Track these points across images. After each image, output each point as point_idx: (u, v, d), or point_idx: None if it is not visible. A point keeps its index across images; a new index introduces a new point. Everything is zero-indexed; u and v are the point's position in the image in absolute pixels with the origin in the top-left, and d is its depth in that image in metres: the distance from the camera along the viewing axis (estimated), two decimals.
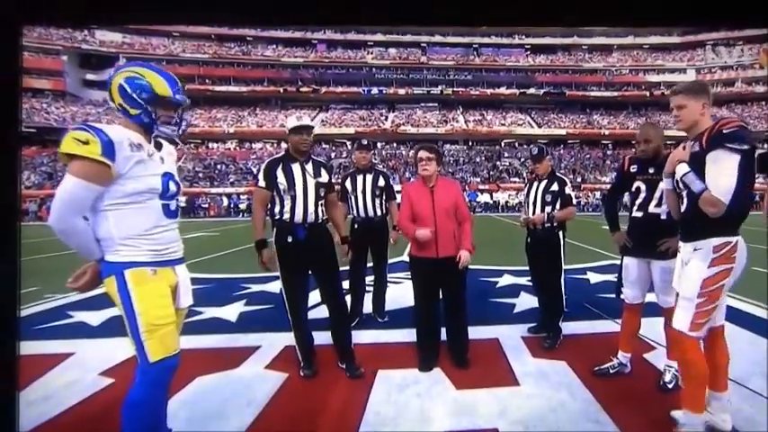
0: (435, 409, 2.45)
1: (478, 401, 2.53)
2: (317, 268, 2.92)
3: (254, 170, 36.73)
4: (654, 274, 2.69)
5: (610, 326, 3.81)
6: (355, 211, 3.98)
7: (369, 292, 4.19)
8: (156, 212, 1.82)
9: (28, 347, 3.54)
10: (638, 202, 2.72)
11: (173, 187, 1.89)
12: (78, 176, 1.62)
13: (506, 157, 41.52)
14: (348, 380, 2.84)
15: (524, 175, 34.54)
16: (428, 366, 2.97)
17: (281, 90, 46.26)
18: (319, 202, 2.87)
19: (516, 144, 44.14)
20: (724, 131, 1.90)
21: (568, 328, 3.65)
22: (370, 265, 4.09)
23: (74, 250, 1.74)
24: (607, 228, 3.05)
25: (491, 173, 37.99)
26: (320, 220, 2.88)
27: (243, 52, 47.30)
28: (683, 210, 2.11)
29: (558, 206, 3.45)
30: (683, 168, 2.03)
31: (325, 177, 2.92)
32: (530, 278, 3.86)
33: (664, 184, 2.29)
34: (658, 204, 2.63)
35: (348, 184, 4.00)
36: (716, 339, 2.16)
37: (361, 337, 3.55)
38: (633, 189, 2.75)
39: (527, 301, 4.62)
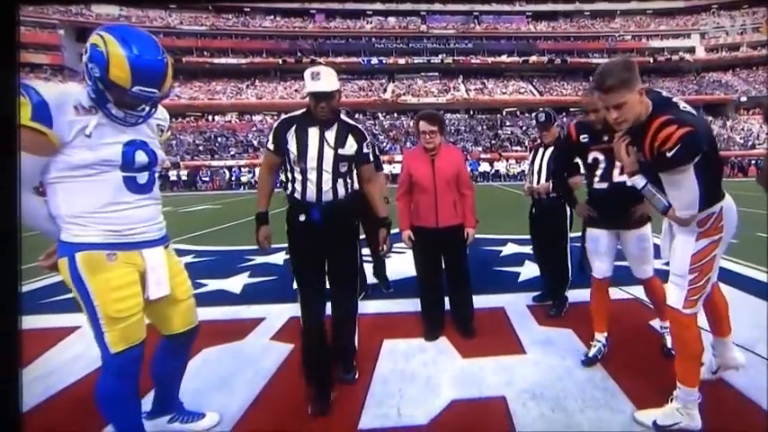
0: (442, 378, 2.41)
1: (485, 370, 2.49)
2: (331, 258, 2.35)
3: (255, 142, 36.45)
4: (629, 244, 2.51)
5: (615, 293, 3.75)
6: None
7: (369, 262, 4.12)
8: (112, 187, 1.55)
9: (32, 321, 3.54)
10: (599, 173, 2.49)
11: (141, 158, 1.60)
12: None
13: (508, 125, 40.86)
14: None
15: (526, 143, 34.11)
16: (434, 336, 2.93)
17: (280, 61, 45.22)
18: (339, 179, 2.23)
19: (518, 112, 43.38)
20: (668, 156, 1.64)
21: (573, 295, 3.59)
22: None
23: None
24: None
25: (493, 142, 37.52)
26: (340, 198, 2.25)
27: (241, 23, 46.04)
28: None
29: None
30: (638, 182, 1.87)
31: (351, 148, 2.25)
32: (532, 247, 3.76)
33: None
34: (621, 172, 2.38)
35: None
36: (712, 295, 2.09)
37: (366, 307, 3.50)
38: (590, 160, 2.51)
39: (531, 270, 4.56)
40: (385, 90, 44.92)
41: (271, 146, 2.28)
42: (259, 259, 5.69)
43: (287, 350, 2.83)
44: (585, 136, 2.52)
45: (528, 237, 3.77)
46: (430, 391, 2.29)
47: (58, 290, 4.44)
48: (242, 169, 30.69)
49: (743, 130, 37.19)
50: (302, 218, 2.22)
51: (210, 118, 42.21)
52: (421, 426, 2.00)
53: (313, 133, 2.19)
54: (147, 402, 2.02)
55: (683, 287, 1.90)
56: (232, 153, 35.55)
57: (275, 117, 42.53)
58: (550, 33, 47.48)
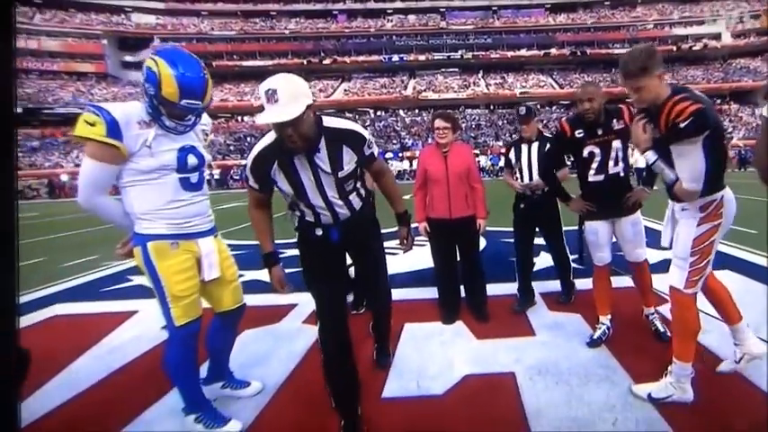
0: (457, 356, 2.60)
1: (497, 349, 2.67)
2: (357, 260, 2.26)
3: None
4: (623, 229, 2.61)
5: (623, 281, 3.83)
6: None
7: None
8: (172, 187, 1.78)
9: (94, 307, 3.89)
10: (595, 165, 2.56)
11: (192, 160, 1.83)
12: (91, 158, 1.65)
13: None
14: None
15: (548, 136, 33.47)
16: (450, 320, 3.11)
17: (305, 62, 45.72)
18: (350, 195, 1.93)
19: (538, 106, 42.62)
20: (680, 126, 1.79)
21: (585, 283, 3.70)
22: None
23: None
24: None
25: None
26: (358, 210, 1.99)
27: (268, 27, 46.73)
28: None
29: None
30: (650, 157, 1.99)
31: (350, 162, 1.85)
32: (516, 241, 3.42)
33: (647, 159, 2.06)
34: (615, 164, 2.55)
35: None
36: (709, 283, 2.19)
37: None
38: (586, 154, 2.57)
39: (545, 261, 4.66)
40: (406, 87, 44.89)
41: (254, 185, 1.87)
42: (288, 252, 5.95)
43: (316, 333, 3.05)
44: (581, 131, 2.57)
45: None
46: (446, 367, 2.48)
47: (116, 280, 4.83)
48: None
49: None
50: (319, 232, 1.94)
51: (240, 119, 43.13)
52: (437, 395, 2.20)
53: (301, 164, 1.79)
54: (203, 372, 2.28)
55: (684, 269, 2.01)
56: None
57: None
58: (570, 25, 46.37)
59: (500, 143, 34.95)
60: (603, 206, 2.60)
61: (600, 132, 2.53)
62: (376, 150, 1.98)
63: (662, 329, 2.68)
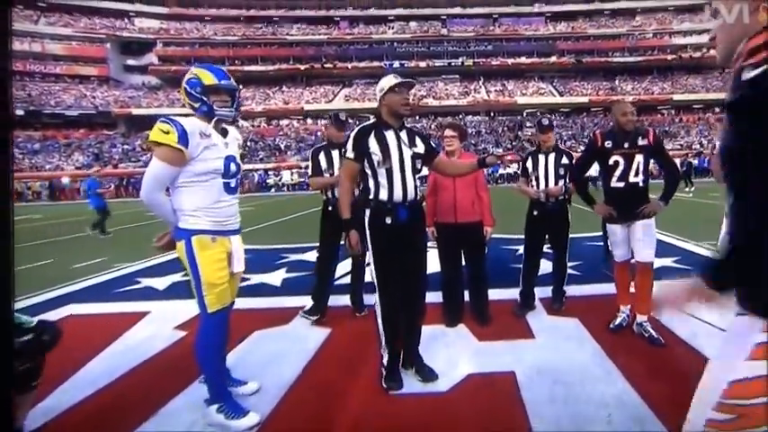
0: (460, 357, 2.73)
1: (498, 350, 2.80)
2: (407, 259, 2.45)
3: (282, 146, 37.24)
4: (637, 231, 2.91)
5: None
6: (330, 192, 3.44)
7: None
8: (218, 189, 2.09)
9: (107, 308, 4.01)
10: (617, 174, 2.91)
11: (233, 168, 2.16)
12: (162, 160, 1.96)
13: (528, 126, 40.50)
14: None
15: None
16: (454, 322, 3.24)
17: (305, 68, 46.07)
18: (416, 176, 2.43)
19: (538, 113, 42.91)
20: None
21: (583, 290, 3.85)
22: None
23: (158, 218, 2.11)
24: None
25: (513, 143, 37.30)
26: (419, 198, 2.47)
27: (270, 32, 47.11)
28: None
29: (566, 179, 3.44)
30: None
31: (421, 147, 2.47)
32: (526, 247, 3.62)
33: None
34: (636, 174, 2.87)
35: (322, 159, 3.48)
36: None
37: None
38: (611, 163, 2.92)
39: (545, 267, 4.80)
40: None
41: (351, 154, 2.36)
42: (293, 257, 6.11)
43: (325, 334, 3.19)
44: (609, 142, 2.93)
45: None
46: (449, 366, 2.60)
47: (126, 282, 4.96)
48: (268, 172, 31.48)
49: None
50: (389, 220, 2.33)
51: (240, 123, 43.29)
52: (441, 392, 2.34)
53: (390, 136, 2.37)
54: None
55: None
56: (261, 156, 36.48)
57: (301, 121, 43.58)
58: (570, 33, 46.77)
59: (500, 150, 35.19)
60: (622, 210, 2.93)
61: (626, 145, 2.89)
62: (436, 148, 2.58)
63: (655, 335, 2.83)
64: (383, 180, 2.34)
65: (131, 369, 2.74)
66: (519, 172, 3.76)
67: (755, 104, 0.82)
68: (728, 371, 0.96)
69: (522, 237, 3.67)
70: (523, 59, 46.19)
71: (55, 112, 38.88)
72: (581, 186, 3.14)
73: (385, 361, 2.42)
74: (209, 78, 2.10)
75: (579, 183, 3.17)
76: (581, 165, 3.20)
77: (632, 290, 3.06)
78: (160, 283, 4.82)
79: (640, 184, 2.89)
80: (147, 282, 4.91)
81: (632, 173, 2.88)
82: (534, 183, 3.50)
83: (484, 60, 46.37)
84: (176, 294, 4.25)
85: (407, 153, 2.38)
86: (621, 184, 2.91)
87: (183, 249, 2.05)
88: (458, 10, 48.11)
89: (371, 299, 3.62)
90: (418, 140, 2.48)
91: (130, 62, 45.29)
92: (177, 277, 4.90)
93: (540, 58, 45.93)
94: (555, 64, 45.81)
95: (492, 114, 43.80)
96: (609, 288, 4.00)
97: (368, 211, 2.38)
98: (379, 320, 2.42)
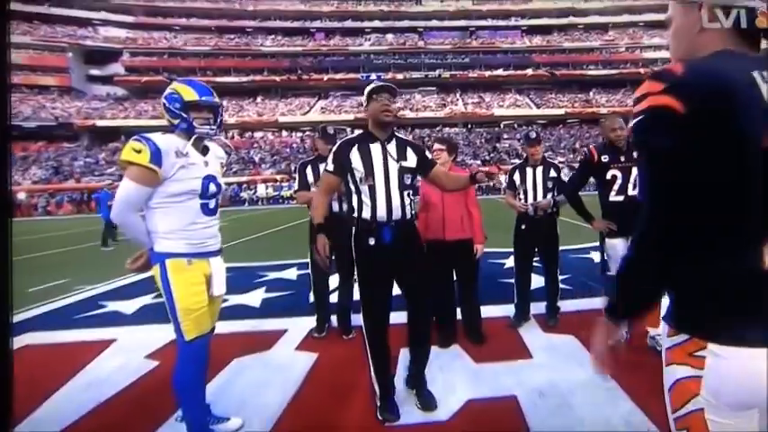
0: (458, 381, 2.63)
1: (497, 373, 2.72)
2: (405, 281, 2.36)
3: (256, 159, 36.86)
4: None
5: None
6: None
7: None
8: (194, 211, 2.02)
9: (68, 336, 3.76)
10: (616, 187, 2.94)
11: (212, 188, 2.09)
12: (133, 180, 1.88)
13: (506, 138, 41.34)
14: None
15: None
16: (447, 343, 3.15)
17: (281, 79, 45.98)
18: (406, 191, 2.27)
19: (516, 125, 43.91)
20: None
21: (577, 304, 3.83)
22: None
23: (129, 238, 2.01)
24: None
25: (491, 155, 37.91)
26: (408, 218, 2.29)
27: (244, 43, 46.93)
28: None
29: (555, 192, 3.48)
30: None
31: (412, 160, 2.31)
32: (516, 260, 3.61)
33: None
34: (634, 187, 2.88)
35: (309, 173, 3.44)
36: None
37: None
38: (609, 177, 2.95)
39: (535, 282, 4.79)
40: None
41: (330, 166, 2.27)
42: (272, 275, 5.93)
43: (311, 359, 3.04)
44: (606, 156, 2.97)
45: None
46: (447, 391, 2.50)
47: (89, 306, 4.68)
48: (242, 186, 31.05)
49: None
50: (372, 241, 2.21)
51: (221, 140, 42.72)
52: (442, 421, 2.22)
53: (375, 149, 2.24)
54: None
55: None
56: (234, 170, 35.93)
57: (276, 134, 43.30)
58: (545, 47, 48.24)
59: (478, 162, 35.71)
60: (622, 224, 2.91)
61: (623, 159, 2.93)
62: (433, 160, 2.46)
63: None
64: (366, 198, 2.23)
65: (97, 405, 2.53)
66: (506, 185, 3.76)
67: (637, 149, 1.02)
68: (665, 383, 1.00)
69: (508, 250, 3.66)
70: (500, 72, 47.26)
71: (12, 124, 37.43)
72: (576, 201, 3.15)
73: (377, 391, 2.31)
74: (189, 94, 2.04)
75: (574, 198, 3.18)
76: (576, 180, 3.22)
77: None
78: (128, 306, 4.56)
79: (639, 197, 2.87)
80: (113, 306, 4.64)
81: (630, 186, 2.89)
82: (522, 196, 3.52)
83: (461, 72, 47.23)
84: (146, 319, 4.03)
85: (394, 167, 2.24)
86: (621, 198, 2.92)
87: (158, 273, 1.98)
88: (435, 23, 49.09)
89: (360, 319, 3.60)
90: (410, 152, 2.32)
91: (94, 72, 44.23)
92: (147, 299, 4.66)
93: (516, 70, 47.12)
94: (531, 76, 47.05)
95: (469, 126, 44.46)
96: (600, 303, 4.02)
97: (353, 230, 2.29)
98: (367, 346, 2.31)
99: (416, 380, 2.45)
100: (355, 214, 2.27)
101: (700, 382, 0.90)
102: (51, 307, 4.74)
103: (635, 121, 0.92)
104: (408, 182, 2.28)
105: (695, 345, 0.90)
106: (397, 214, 2.23)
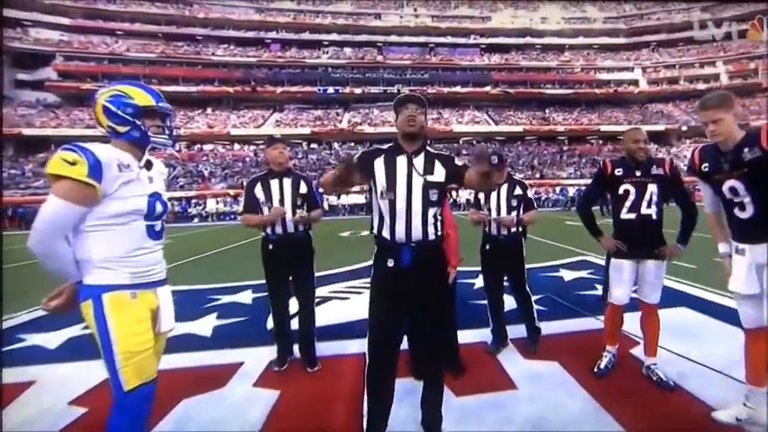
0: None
1: (481, 407, 2.55)
2: (418, 311, 2.18)
3: (206, 173, 35.70)
4: (647, 271, 2.80)
5: (592, 323, 3.94)
6: (270, 228, 3.16)
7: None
8: (139, 234, 1.79)
9: None
10: (628, 204, 2.80)
11: (159, 208, 1.86)
12: (62, 197, 1.60)
13: (465, 154, 42.28)
14: (345, 393, 2.78)
15: None
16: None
17: (233, 90, 45.14)
18: (430, 209, 2.10)
19: (474, 142, 45.09)
20: None
21: (553, 327, 3.76)
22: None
23: (51, 271, 1.68)
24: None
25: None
26: (431, 239, 2.11)
27: (193, 51, 45.82)
28: (744, 215, 2.20)
29: (521, 210, 3.43)
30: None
31: (440, 174, 2.13)
32: (485, 281, 3.56)
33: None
34: (649, 205, 2.77)
35: (259, 191, 3.17)
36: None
37: (348, 347, 3.50)
38: (621, 192, 2.82)
39: (507, 303, 4.71)
40: (341, 119, 45.58)
41: (355, 159, 2.07)
42: (225, 298, 5.54)
43: (273, 397, 2.76)
44: (620, 170, 2.85)
45: None
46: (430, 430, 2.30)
47: (6, 339, 4.14)
48: (191, 201, 29.86)
49: (686, 157, 40.41)
50: (390, 263, 2.09)
51: (169, 152, 41.10)
52: None
53: (401, 162, 2.12)
54: None
55: None
56: (181, 184, 34.57)
57: (227, 147, 42.24)
58: (503, 65, 50.24)
59: None
60: (633, 245, 2.81)
61: (638, 174, 2.80)
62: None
63: (664, 378, 2.73)
64: (386, 215, 2.09)
65: None
66: (472, 202, 3.70)
67: None
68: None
69: (476, 269, 3.57)
70: (459, 89, 48.69)
71: None
72: (586, 216, 3.04)
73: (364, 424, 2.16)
74: (144, 99, 1.83)
75: (585, 212, 3.06)
76: (588, 195, 3.15)
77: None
78: (51, 339, 4.06)
79: (653, 217, 2.77)
80: (33, 339, 4.13)
81: (644, 204, 2.77)
82: (486, 214, 3.49)
83: (420, 88, 48.12)
84: (72, 355, 3.58)
85: (418, 182, 2.08)
86: (633, 216, 2.79)
87: (91, 311, 1.69)
88: (394, 38, 50.08)
89: (326, 348, 3.37)
90: (437, 166, 2.14)
91: (22, 77, 41.67)
92: (76, 331, 4.18)
93: (475, 87, 48.68)
94: (490, 94, 48.73)
95: (429, 142, 44.99)
96: (579, 324, 4.00)
97: (375, 249, 2.18)
98: (365, 376, 2.17)
99: (429, 420, 2.28)
100: (375, 231, 2.16)
101: None
102: None
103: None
104: (434, 198, 2.10)
105: None
106: (417, 234, 2.08)
